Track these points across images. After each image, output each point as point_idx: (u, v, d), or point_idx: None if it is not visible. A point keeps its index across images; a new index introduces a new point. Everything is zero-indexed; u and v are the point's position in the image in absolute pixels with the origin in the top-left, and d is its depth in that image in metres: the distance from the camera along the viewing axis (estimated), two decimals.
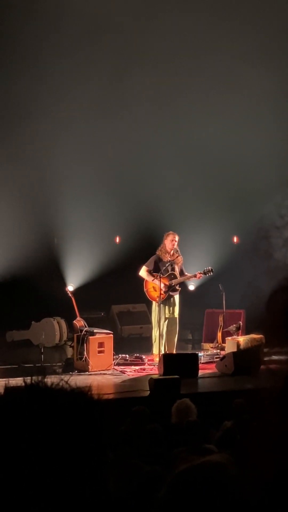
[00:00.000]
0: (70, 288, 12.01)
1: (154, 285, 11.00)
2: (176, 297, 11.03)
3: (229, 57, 14.30)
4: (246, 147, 14.64)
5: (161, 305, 10.82)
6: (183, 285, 11.63)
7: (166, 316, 10.90)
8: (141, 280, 11.16)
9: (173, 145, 14.73)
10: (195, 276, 11.01)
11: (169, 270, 10.93)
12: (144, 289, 11.15)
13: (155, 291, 10.97)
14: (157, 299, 10.88)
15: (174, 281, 10.93)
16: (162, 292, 10.83)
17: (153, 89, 14.45)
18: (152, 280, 10.95)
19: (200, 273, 10.98)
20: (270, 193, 14.38)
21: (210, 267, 11.09)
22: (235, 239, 14.99)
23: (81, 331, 10.75)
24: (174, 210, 14.07)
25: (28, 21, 13.67)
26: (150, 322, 12.61)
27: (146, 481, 4.23)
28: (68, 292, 11.71)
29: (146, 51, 14.25)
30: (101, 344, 10.62)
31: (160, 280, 10.77)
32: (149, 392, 8.82)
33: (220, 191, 14.73)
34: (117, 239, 15.53)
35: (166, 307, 10.92)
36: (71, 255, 14.05)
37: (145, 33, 14.05)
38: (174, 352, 10.84)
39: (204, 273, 11.01)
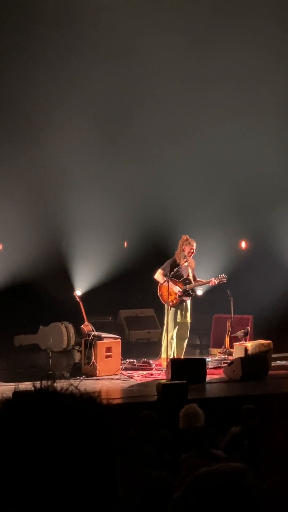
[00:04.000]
0: (78, 292, 12.00)
1: (169, 290, 10.94)
2: (188, 302, 11.02)
3: (235, 65, 14.40)
4: (253, 151, 14.65)
5: (173, 309, 10.82)
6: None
7: (178, 320, 10.87)
8: (153, 284, 11.12)
9: (181, 151, 14.73)
10: (209, 282, 11.00)
11: (184, 274, 10.93)
12: (158, 293, 11.11)
13: (170, 295, 10.94)
14: (170, 304, 10.85)
15: (188, 286, 10.92)
16: (176, 296, 10.82)
17: (162, 98, 14.50)
18: (172, 284, 10.86)
19: (215, 279, 10.98)
20: (279, 198, 14.42)
21: (224, 275, 11.06)
22: (243, 244, 14.97)
23: (89, 335, 10.74)
24: (182, 215, 14.06)
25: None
26: (157, 327, 12.61)
27: (153, 486, 4.22)
28: (76, 296, 11.71)
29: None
30: (108, 349, 10.61)
31: (176, 284, 10.75)
32: (156, 397, 8.81)
33: (228, 196, 14.72)
34: (125, 244, 15.54)
35: (178, 311, 10.90)
36: (79, 260, 14.06)
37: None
38: (183, 357, 10.82)
39: (219, 280, 11.02)
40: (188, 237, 11.10)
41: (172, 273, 10.82)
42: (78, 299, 11.56)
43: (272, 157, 14.44)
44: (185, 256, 10.91)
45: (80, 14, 14.07)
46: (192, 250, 10.98)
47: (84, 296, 12.04)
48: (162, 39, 14.12)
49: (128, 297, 14.11)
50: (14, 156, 13.91)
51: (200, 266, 11.57)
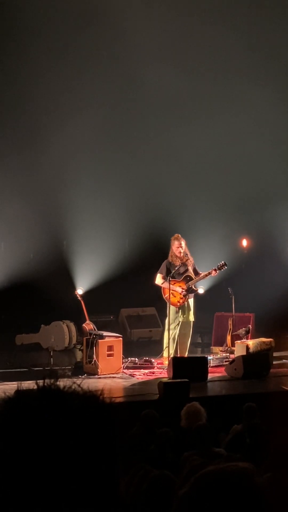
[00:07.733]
0: (80, 291, 12.00)
1: (172, 291, 10.86)
2: (190, 301, 10.97)
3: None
4: (252, 148, 14.65)
5: (174, 308, 10.76)
6: None
7: (180, 320, 10.82)
8: (154, 286, 11.04)
9: (181, 149, 14.73)
10: (210, 273, 10.92)
11: (182, 272, 10.89)
12: (164, 296, 10.95)
13: (175, 296, 10.88)
14: (177, 304, 10.80)
15: (190, 283, 10.88)
16: (182, 296, 10.78)
17: (163, 96, 14.51)
18: (172, 285, 10.79)
19: (215, 269, 10.90)
20: (280, 195, 14.42)
21: (223, 261, 10.96)
22: (244, 242, 14.97)
23: (90, 334, 10.75)
24: (183, 213, 14.06)
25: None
26: (159, 326, 12.56)
27: (155, 484, 4.22)
28: (77, 295, 11.70)
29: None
30: (110, 348, 10.61)
31: (174, 284, 10.70)
32: (158, 395, 8.81)
33: (229, 193, 14.72)
34: (127, 243, 15.54)
35: (180, 311, 10.86)
36: (80, 259, 14.06)
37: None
38: (186, 355, 10.81)
39: (219, 269, 10.92)
40: (177, 235, 11.03)
41: (174, 271, 10.78)
42: (79, 298, 11.56)
43: (272, 154, 14.44)
44: (176, 255, 10.86)
45: (80, 15, 14.08)
46: (179, 248, 10.90)
47: (86, 295, 12.03)
48: (160, 39, 14.14)
49: (129, 296, 14.10)
50: (15, 155, 13.91)
51: (201, 264, 11.55)
